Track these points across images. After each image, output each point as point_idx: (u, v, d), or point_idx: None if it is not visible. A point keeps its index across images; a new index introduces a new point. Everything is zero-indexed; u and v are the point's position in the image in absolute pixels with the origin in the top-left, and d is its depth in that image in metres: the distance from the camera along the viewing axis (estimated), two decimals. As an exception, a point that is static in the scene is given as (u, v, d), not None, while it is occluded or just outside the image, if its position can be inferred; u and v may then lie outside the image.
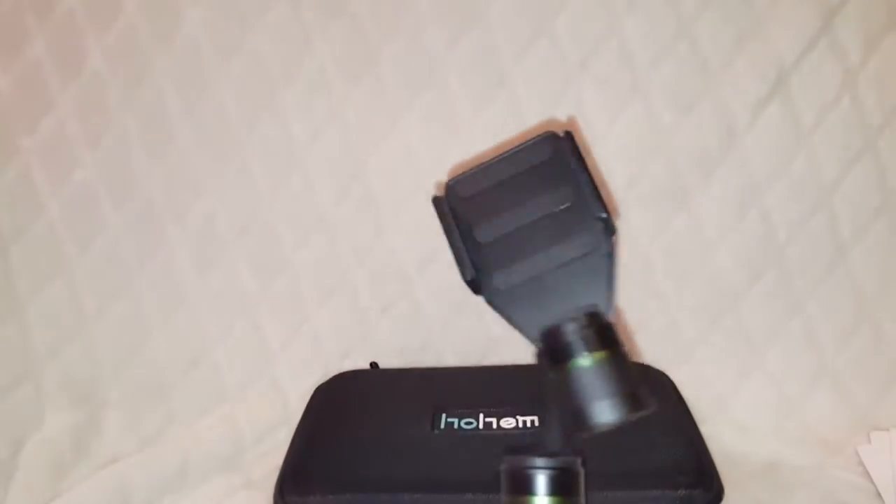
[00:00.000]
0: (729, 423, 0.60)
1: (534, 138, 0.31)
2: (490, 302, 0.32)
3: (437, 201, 0.33)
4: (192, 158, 0.66)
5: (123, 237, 0.66)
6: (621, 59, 0.63)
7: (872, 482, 0.54)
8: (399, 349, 0.67)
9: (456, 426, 0.54)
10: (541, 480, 0.30)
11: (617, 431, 0.51)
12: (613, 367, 0.29)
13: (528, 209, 0.31)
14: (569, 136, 0.31)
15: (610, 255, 0.30)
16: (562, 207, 0.31)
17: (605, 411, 0.29)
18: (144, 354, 0.66)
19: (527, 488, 0.30)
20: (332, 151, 0.66)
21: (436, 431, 0.53)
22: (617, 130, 0.64)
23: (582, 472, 0.31)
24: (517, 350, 0.62)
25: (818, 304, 0.64)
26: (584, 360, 0.29)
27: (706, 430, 0.54)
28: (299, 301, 0.67)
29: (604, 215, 0.30)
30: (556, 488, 0.30)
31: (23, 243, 0.65)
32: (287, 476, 0.51)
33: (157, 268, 0.66)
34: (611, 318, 0.30)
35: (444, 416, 0.55)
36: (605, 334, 0.30)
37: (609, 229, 0.30)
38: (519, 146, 0.32)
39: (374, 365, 0.66)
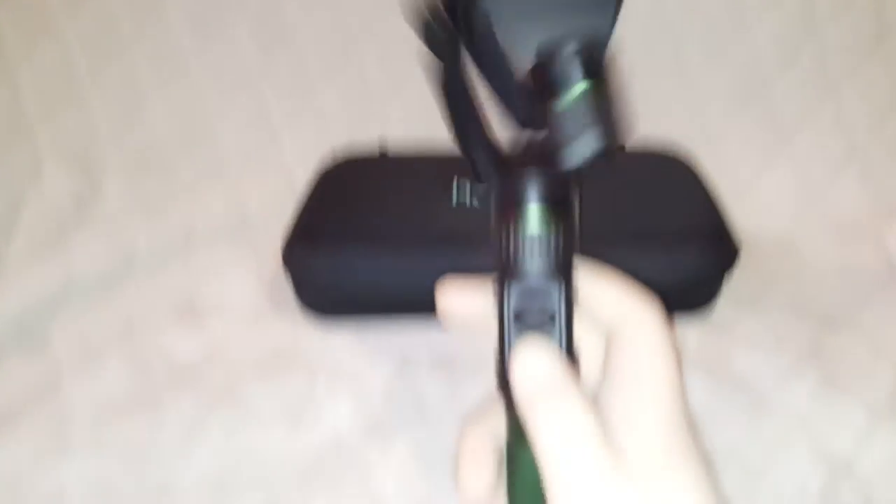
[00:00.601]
0: (752, 207, 0.58)
1: None
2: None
3: None
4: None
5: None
6: None
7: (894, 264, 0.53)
8: (409, 127, 0.63)
9: (468, 195, 0.52)
10: (531, 186, 0.26)
11: (635, 199, 0.50)
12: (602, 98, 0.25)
13: None
14: None
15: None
16: None
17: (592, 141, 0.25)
18: (142, 124, 0.63)
19: (516, 199, 0.26)
20: None
21: (445, 202, 0.51)
22: None
23: (577, 189, 0.27)
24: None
25: (854, 87, 0.61)
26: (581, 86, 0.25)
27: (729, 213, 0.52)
28: (304, 75, 0.63)
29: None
30: (547, 195, 0.26)
31: (9, 2, 0.61)
32: (296, 232, 0.49)
33: (152, 34, 0.62)
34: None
35: (455, 184, 0.52)
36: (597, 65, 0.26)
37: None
38: None
39: (383, 153, 0.64)
